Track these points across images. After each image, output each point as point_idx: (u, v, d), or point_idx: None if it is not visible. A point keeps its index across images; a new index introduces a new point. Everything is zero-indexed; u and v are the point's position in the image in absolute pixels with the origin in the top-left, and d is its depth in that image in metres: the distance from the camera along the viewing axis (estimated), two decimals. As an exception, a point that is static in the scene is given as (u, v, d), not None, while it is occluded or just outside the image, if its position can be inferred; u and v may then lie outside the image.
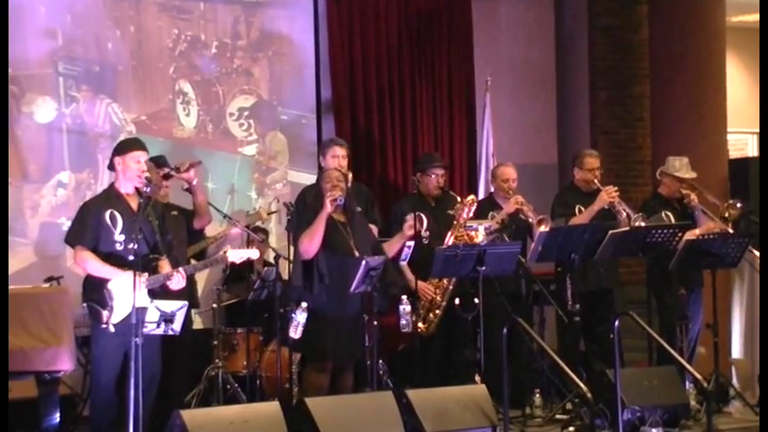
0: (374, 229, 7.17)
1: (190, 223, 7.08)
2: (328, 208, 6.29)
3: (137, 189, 6.00)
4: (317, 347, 6.36)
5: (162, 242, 6.00)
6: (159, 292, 5.89)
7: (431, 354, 7.36)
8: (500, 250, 6.82)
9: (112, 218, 5.92)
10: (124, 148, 6.09)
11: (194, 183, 7.01)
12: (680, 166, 7.83)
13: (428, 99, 9.43)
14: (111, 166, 6.12)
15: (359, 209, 6.59)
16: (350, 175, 7.09)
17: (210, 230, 7.55)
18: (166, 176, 6.96)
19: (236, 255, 6.33)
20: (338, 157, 7.22)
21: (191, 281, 6.75)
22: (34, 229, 7.97)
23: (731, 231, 7.60)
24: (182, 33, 8.62)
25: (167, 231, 6.18)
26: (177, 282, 5.94)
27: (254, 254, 6.48)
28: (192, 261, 7.04)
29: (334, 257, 6.31)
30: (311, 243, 6.26)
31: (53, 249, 7.86)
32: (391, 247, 6.85)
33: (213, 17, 8.78)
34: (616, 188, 7.63)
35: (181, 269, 5.98)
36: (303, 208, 6.82)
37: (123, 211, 5.95)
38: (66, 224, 7.42)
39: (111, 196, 6.04)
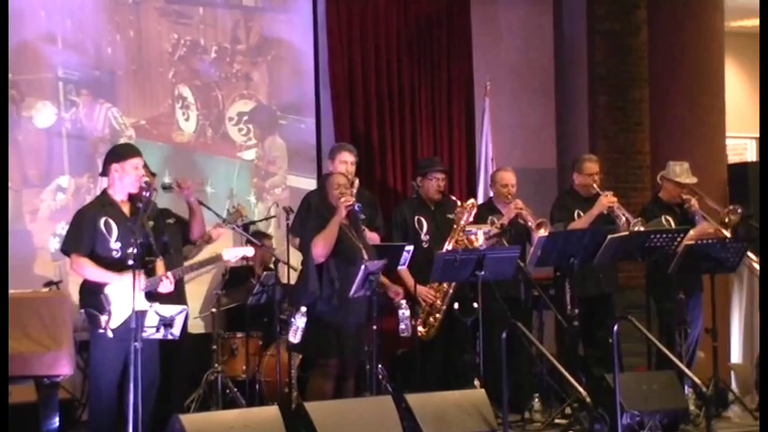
0: (377, 236, 7.18)
1: (186, 232, 7.05)
2: (342, 213, 6.30)
3: (130, 195, 5.99)
4: (322, 350, 6.36)
5: (156, 244, 6.00)
6: (154, 295, 5.89)
7: (430, 358, 7.37)
8: (499, 255, 6.81)
9: (107, 225, 5.92)
10: (122, 155, 6.07)
11: (192, 200, 6.90)
12: (680, 171, 7.84)
13: (427, 103, 9.44)
14: (104, 172, 6.11)
15: (363, 216, 6.60)
16: (356, 182, 7.08)
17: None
18: (165, 187, 6.93)
19: (231, 253, 6.33)
20: (347, 162, 7.22)
21: (179, 281, 6.68)
22: (34, 234, 7.97)
23: (729, 235, 7.60)
24: (181, 38, 8.63)
25: (162, 233, 6.16)
26: (164, 286, 5.93)
27: (248, 251, 6.46)
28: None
29: (342, 263, 6.31)
30: (325, 248, 6.26)
31: (53, 254, 7.87)
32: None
33: (213, 22, 8.79)
34: (615, 199, 7.65)
35: (169, 273, 5.96)
36: (306, 213, 6.81)
37: (117, 218, 5.95)
38: (66, 228, 7.44)
39: (104, 203, 6.02)
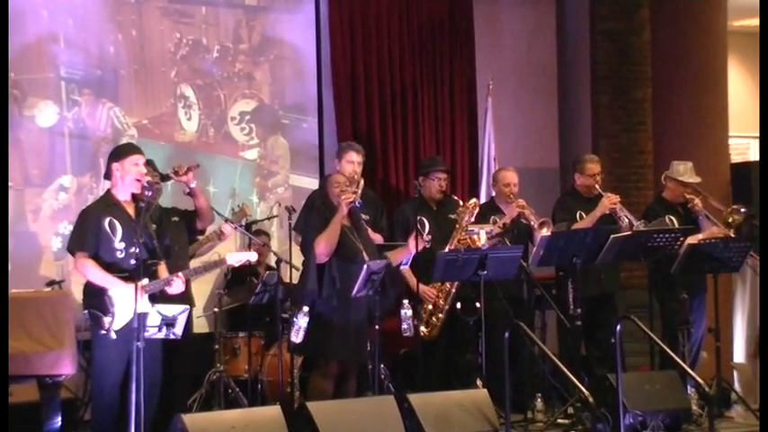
0: (380, 237, 7.18)
1: (192, 224, 7.06)
2: (344, 211, 6.30)
3: (134, 195, 5.99)
4: (322, 351, 6.36)
5: (159, 247, 6.00)
6: (159, 297, 5.89)
7: (432, 358, 7.36)
8: (502, 254, 6.81)
9: (111, 225, 5.92)
10: (121, 153, 6.08)
11: (193, 185, 6.90)
12: (684, 171, 7.83)
13: (430, 103, 9.44)
14: (107, 175, 6.10)
15: (366, 216, 6.59)
16: (362, 182, 7.09)
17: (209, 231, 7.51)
18: (164, 178, 6.94)
19: (235, 258, 6.35)
20: (353, 162, 7.23)
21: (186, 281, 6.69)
22: (36, 233, 7.97)
23: (732, 235, 7.59)
24: (183, 37, 8.63)
25: (165, 236, 6.16)
26: (177, 286, 5.94)
27: (252, 256, 6.47)
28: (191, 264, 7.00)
29: (343, 262, 6.31)
30: (328, 247, 6.27)
31: (55, 253, 7.87)
32: (395, 258, 6.80)
33: (215, 21, 8.79)
34: (618, 198, 7.64)
35: (180, 273, 5.98)
36: (309, 212, 6.81)
37: (122, 219, 5.94)
38: (69, 228, 7.45)
39: (109, 203, 6.02)
